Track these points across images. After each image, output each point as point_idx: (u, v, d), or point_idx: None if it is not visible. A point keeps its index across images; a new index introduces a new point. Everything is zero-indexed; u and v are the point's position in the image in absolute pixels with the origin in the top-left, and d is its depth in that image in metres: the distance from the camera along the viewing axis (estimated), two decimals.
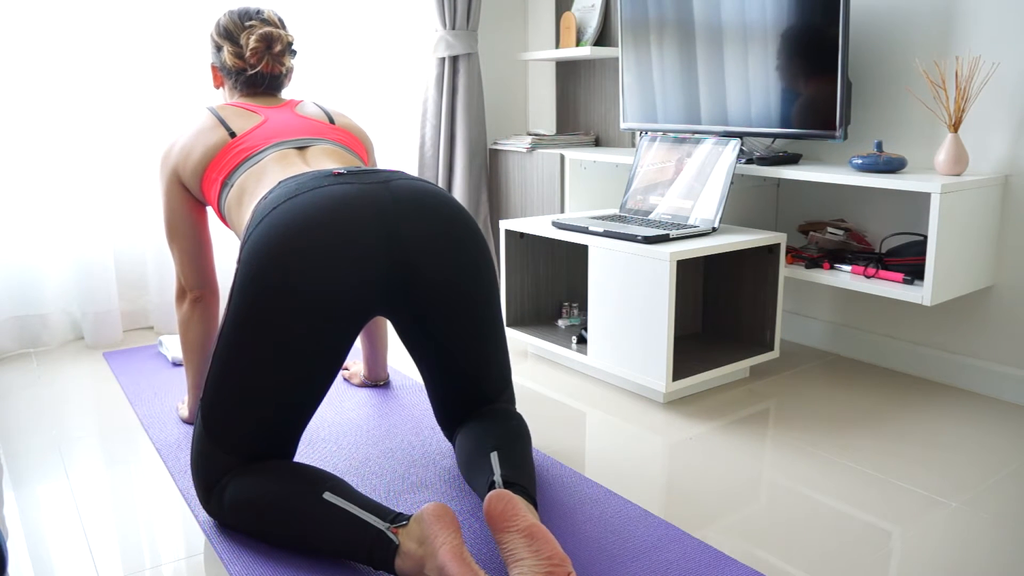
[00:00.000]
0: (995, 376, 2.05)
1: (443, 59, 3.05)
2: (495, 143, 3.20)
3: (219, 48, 1.80)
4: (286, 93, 2.97)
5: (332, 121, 1.80)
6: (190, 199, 1.75)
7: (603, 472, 1.64)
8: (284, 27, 1.85)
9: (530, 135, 3.04)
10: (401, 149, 3.17)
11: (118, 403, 2.04)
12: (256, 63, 1.77)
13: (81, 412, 1.99)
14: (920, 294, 1.89)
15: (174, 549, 1.36)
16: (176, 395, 2.08)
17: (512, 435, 1.48)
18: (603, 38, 3.02)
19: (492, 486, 1.34)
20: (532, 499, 1.33)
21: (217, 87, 1.88)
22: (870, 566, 1.30)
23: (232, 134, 1.67)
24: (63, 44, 2.41)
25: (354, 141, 1.79)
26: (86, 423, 1.91)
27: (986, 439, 1.79)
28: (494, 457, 1.40)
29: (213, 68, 1.85)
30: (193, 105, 2.66)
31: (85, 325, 2.52)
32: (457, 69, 3.08)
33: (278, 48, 1.78)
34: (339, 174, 1.44)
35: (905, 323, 2.24)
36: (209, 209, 1.96)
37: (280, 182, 1.48)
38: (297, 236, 1.32)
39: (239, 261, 1.36)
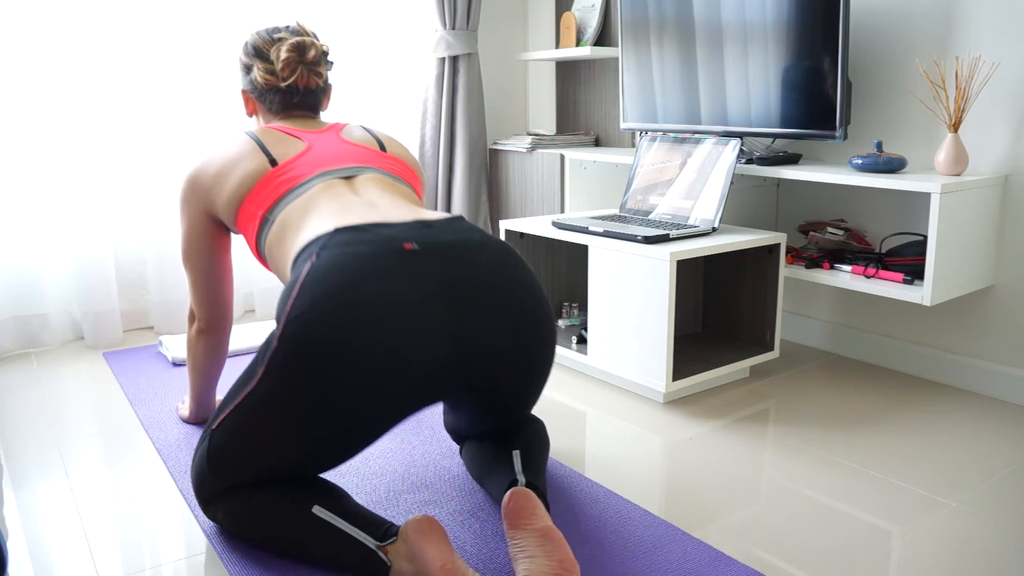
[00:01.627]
0: (995, 376, 2.05)
1: (443, 59, 3.05)
2: (495, 143, 3.20)
3: (248, 69, 1.69)
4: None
5: (383, 148, 1.66)
6: (214, 227, 1.62)
7: (603, 472, 1.64)
8: (317, 38, 1.73)
9: (530, 135, 3.04)
10: None
11: (118, 403, 2.04)
12: (289, 75, 1.64)
13: (81, 412, 1.99)
14: (920, 294, 1.89)
15: (174, 549, 1.36)
16: (176, 395, 2.08)
17: (533, 438, 1.49)
18: (603, 38, 3.02)
19: (512, 483, 1.35)
20: (547, 504, 1.35)
21: (250, 115, 1.76)
22: (870, 566, 1.30)
23: (273, 162, 1.52)
24: (63, 44, 2.41)
25: (406, 170, 1.65)
26: (86, 423, 1.91)
27: (986, 439, 1.79)
28: (516, 456, 1.42)
29: (244, 94, 1.73)
30: (193, 104, 2.66)
31: (85, 325, 2.52)
32: (457, 69, 3.08)
33: (312, 55, 1.65)
34: (411, 250, 1.26)
35: (905, 323, 2.24)
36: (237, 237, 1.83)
37: (338, 231, 1.29)
38: (355, 338, 1.17)
39: (282, 336, 1.20)
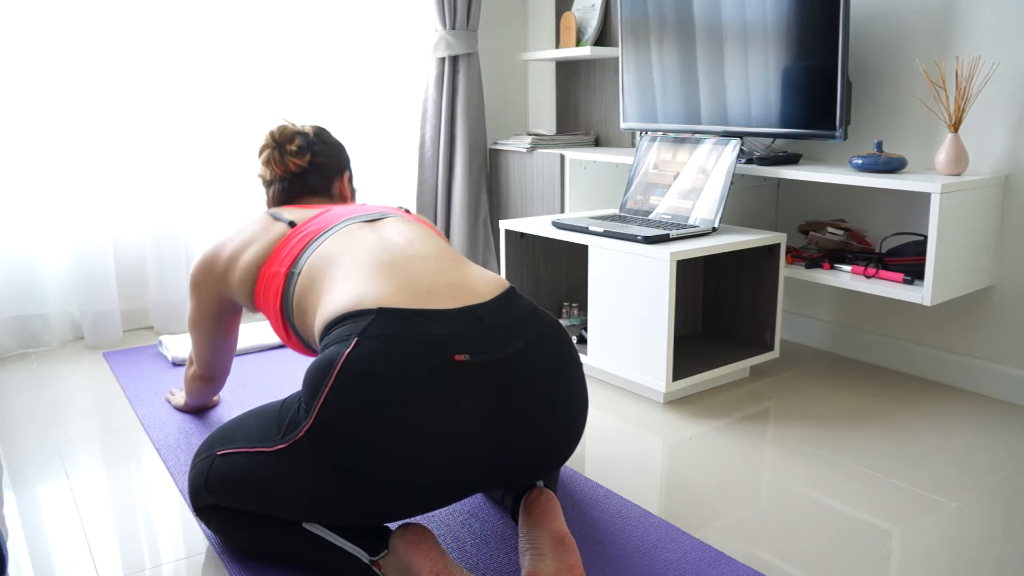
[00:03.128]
0: (995, 376, 2.05)
1: (443, 59, 3.05)
2: (495, 143, 3.20)
3: (261, 178, 1.74)
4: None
5: (408, 212, 1.63)
6: (225, 309, 1.63)
7: (603, 472, 1.64)
8: (311, 129, 1.74)
9: (530, 135, 3.04)
10: (401, 149, 3.17)
11: (118, 403, 2.04)
12: (266, 162, 1.68)
13: (81, 412, 1.99)
14: (920, 294, 1.89)
15: (174, 549, 1.36)
16: None
17: None
18: (603, 38, 3.02)
19: (532, 485, 1.35)
20: None
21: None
22: (870, 566, 1.30)
23: (292, 224, 1.50)
24: (61, 42, 2.41)
25: (433, 229, 1.59)
26: (86, 423, 1.91)
27: (986, 439, 1.79)
28: None
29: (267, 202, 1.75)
30: (194, 103, 2.66)
31: (85, 325, 2.52)
32: (457, 69, 3.08)
33: (281, 135, 1.67)
34: (460, 362, 1.16)
35: (905, 323, 2.24)
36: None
37: (382, 313, 1.18)
38: (388, 460, 1.10)
39: (311, 430, 1.12)
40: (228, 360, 1.75)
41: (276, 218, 1.53)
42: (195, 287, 1.61)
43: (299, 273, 1.39)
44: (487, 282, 1.32)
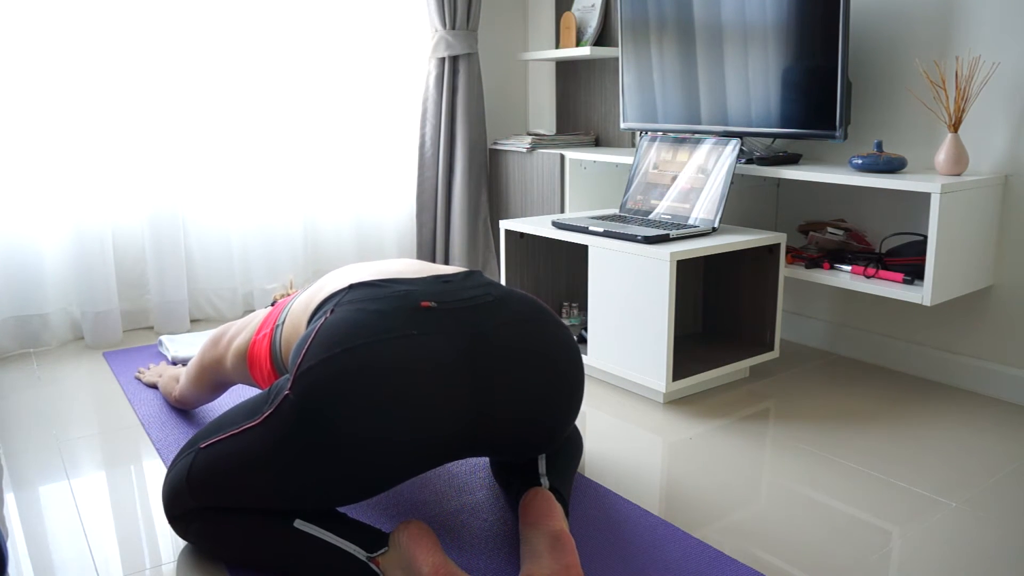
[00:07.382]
0: (995, 376, 2.05)
1: (443, 59, 3.05)
2: (495, 143, 3.20)
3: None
4: None
5: None
6: (221, 380, 1.73)
7: (603, 472, 1.64)
8: None
9: (530, 135, 3.04)
10: (401, 149, 3.17)
11: (118, 403, 2.04)
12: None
13: (81, 412, 1.99)
14: (920, 294, 1.89)
15: (174, 549, 1.36)
16: None
17: (564, 445, 1.49)
18: (603, 38, 3.02)
19: (536, 483, 1.35)
20: (567, 511, 1.34)
21: None
22: (870, 566, 1.30)
23: (273, 304, 1.66)
24: (60, 40, 2.41)
25: None
26: (86, 423, 1.91)
27: (986, 439, 1.79)
28: (541, 459, 1.41)
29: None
30: (194, 103, 2.66)
31: (85, 325, 2.52)
32: (457, 69, 3.08)
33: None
34: (428, 308, 1.23)
35: (905, 323, 2.24)
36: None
37: (352, 287, 1.31)
38: (369, 398, 1.13)
39: (294, 385, 1.16)
40: (205, 404, 1.92)
41: (265, 308, 1.71)
42: (202, 351, 1.73)
43: (283, 323, 1.49)
44: (454, 269, 1.45)
